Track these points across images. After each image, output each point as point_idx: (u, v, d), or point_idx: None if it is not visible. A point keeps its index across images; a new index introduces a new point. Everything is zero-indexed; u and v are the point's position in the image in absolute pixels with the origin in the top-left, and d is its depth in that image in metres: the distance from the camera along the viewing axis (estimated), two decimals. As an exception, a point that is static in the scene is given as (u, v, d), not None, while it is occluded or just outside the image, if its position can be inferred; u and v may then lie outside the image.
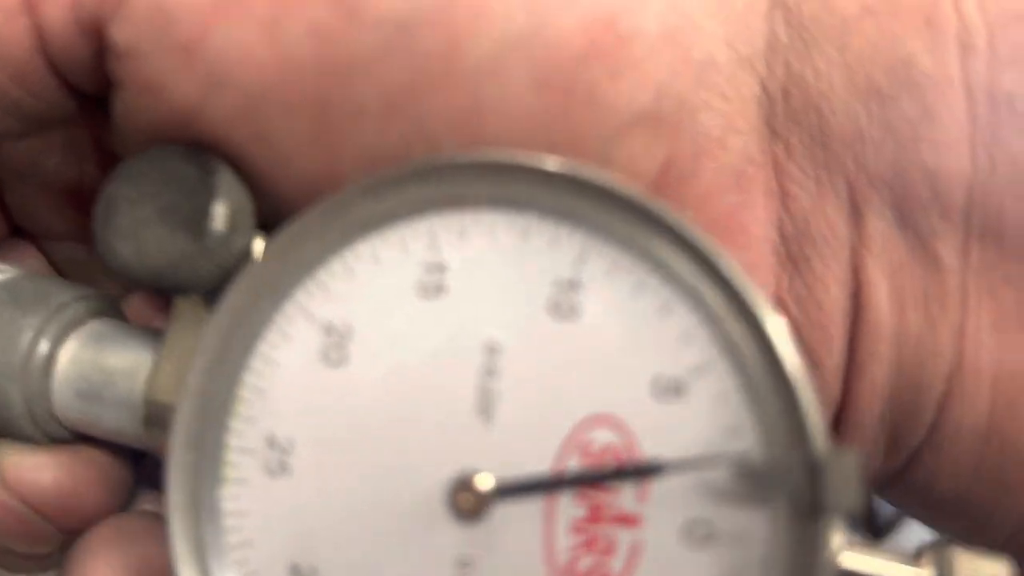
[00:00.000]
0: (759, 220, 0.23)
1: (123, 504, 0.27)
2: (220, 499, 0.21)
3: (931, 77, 0.22)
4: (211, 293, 0.23)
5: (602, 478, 0.19)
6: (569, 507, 0.20)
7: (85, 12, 0.21)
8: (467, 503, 0.20)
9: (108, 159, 0.30)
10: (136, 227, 0.21)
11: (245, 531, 0.21)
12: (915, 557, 0.20)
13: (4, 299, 0.25)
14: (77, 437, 0.25)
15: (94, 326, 0.25)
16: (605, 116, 0.21)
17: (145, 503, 0.27)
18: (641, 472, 0.19)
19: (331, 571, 0.21)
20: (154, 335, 0.25)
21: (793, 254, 0.23)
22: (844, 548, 0.19)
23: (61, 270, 0.31)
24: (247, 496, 0.21)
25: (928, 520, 0.26)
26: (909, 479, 0.25)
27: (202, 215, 0.21)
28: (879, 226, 0.23)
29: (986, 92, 0.22)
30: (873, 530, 0.66)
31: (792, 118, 0.23)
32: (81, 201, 0.30)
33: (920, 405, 0.23)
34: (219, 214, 0.21)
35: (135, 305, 0.30)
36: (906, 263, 0.23)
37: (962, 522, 0.25)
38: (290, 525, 0.21)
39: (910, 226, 0.23)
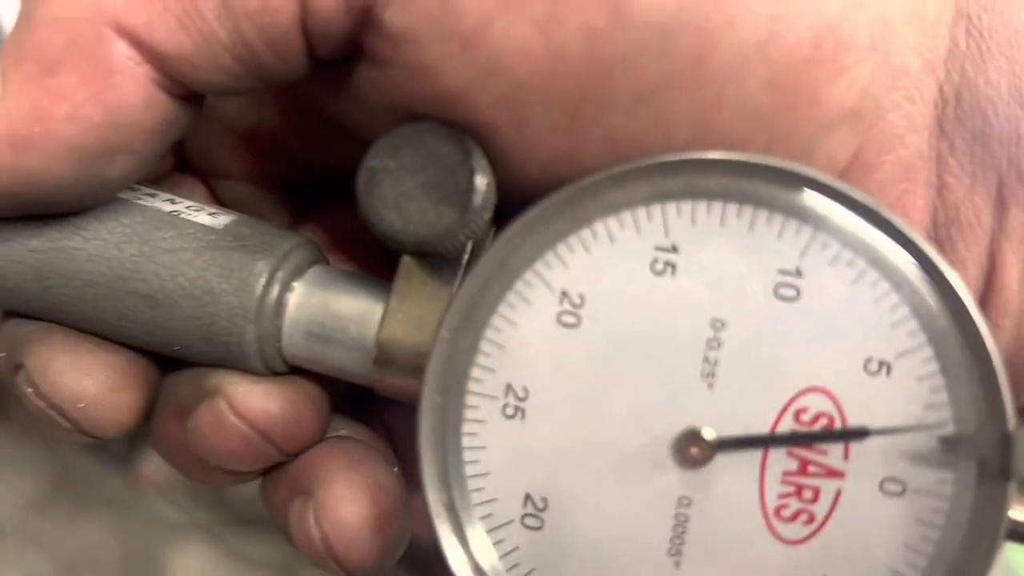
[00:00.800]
0: (918, 207, 0.26)
1: (326, 428, 0.30)
2: (462, 435, 0.25)
3: None
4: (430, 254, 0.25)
5: (813, 439, 0.23)
6: (781, 461, 0.23)
7: None
8: (695, 453, 0.23)
9: (290, 109, 0.32)
10: (399, 199, 0.24)
11: (483, 463, 0.25)
12: None
13: (231, 244, 0.27)
14: (292, 370, 0.28)
15: (315, 272, 0.28)
16: (820, 113, 0.24)
17: (339, 427, 0.30)
18: (848, 436, 0.23)
19: (561, 502, 0.24)
20: (370, 283, 0.28)
21: (940, 237, 0.26)
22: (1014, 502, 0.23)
23: (226, 206, 0.34)
24: (485, 434, 0.25)
25: None
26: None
27: (465, 193, 0.23)
28: (1020, 218, 0.26)
29: None
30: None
31: (960, 119, 0.26)
32: (256, 144, 0.32)
33: None
34: (480, 192, 0.24)
35: None
36: None
37: None
38: (524, 460, 0.25)
39: None
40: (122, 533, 1.39)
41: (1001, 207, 0.26)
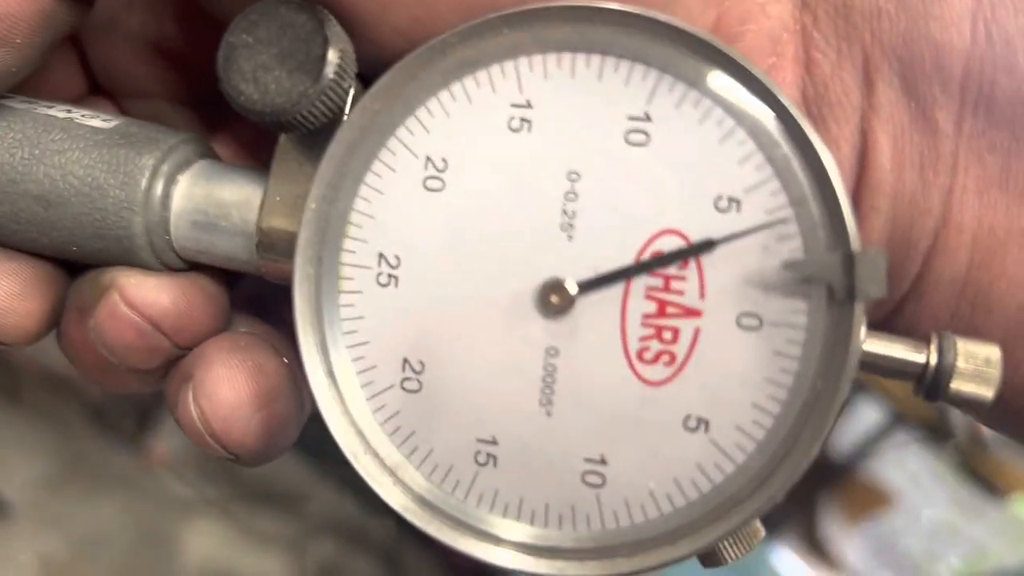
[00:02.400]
0: (787, 82, 0.26)
1: (225, 325, 0.30)
2: (339, 306, 0.25)
3: None
4: (310, 133, 0.26)
5: (664, 262, 0.23)
6: (641, 304, 0.24)
7: None
8: (556, 302, 0.24)
9: (187, 19, 0.32)
10: (257, 70, 0.24)
11: (361, 332, 0.25)
12: (923, 341, 0.24)
13: (118, 142, 0.27)
14: (189, 267, 0.29)
15: (200, 165, 0.28)
16: None
17: (240, 326, 0.31)
18: (697, 250, 0.23)
19: (437, 364, 0.25)
20: (254, 172, 0.28)
21: (812, 115, 0.26)
22: (867, 336, 0.23)
23: None
24: (362, 303, 0.25)
25: None
26: (893, 324, 0.28)
27: (318, 60, 0.24)
28: (887, 94, 0.26)
29: None
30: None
31: None
32: (160, 58, 0.33)
33: (909, 257, 0.27)
34: (332, 60, 0.24)
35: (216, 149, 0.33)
36: (907, 129, 0.26)
37: None
38: (400, 326, 0.25)
39: (914, 95, 0.26)
40: (133, 511, 1.42)
41: (868, 83, 0.26)
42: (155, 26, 0.32)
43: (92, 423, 1.44)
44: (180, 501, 1.44)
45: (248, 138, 0.34)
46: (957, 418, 1.24)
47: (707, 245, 0.23)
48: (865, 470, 1.27)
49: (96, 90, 0.34)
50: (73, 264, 0.29)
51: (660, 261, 0.23)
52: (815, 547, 1.22)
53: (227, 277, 0.30)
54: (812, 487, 1.22)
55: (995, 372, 0.24)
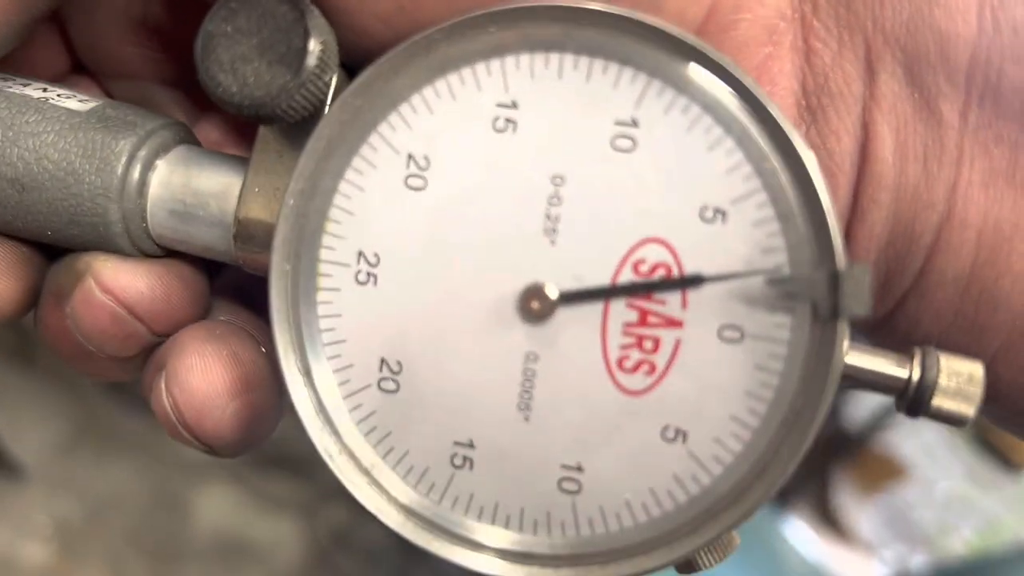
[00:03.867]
0: (785, 72, 0.25)
1: (203, 313, 0.30)
2: (316, 304, 0.25)
3: None
4: (292, 124, 0.25)
5: (650, 288, 0.23)
6: (622, 313, 0.23)
7: None
8: (537, 308, 0.23)
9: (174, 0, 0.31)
10: (235, 61, 0.24)
11: (338, 331, 0.25)
12: (906, 357, 0.23)
13: (95, 125, 0.27)
14: (166, 253, 0.29)
15: (179, 151, 0.28)
16: None
17: (220, 314, 0.31)
18: (684, 283, 0.22)
19: (415, 364, 0.25)
20: (234, 160, 0.28)
21: (812, 105, 0.25)
22: (849, 349, 0.22)
23: None
24: (340, 302, 0.25)
25: None
26: (894, 323, 0.28)
27: (299, 53, 0.23)
28: (890, 85, 0.25)
29: None
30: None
31: None
32: (145, 37, 0.32)
33: (911, 253, 0.26)
34: (314, 53, 0.23)
35: (203, 131, 0.33)
36: (911, 120, 0.25)
37: None
38: (378, 325, 0.25)
39: (918, 86, 0.25)
40: (147, 475, 1.43)
41: (870, 73, 0.25)
42: (140, 4, 0.32)
43: (106, 386, 1.45)
44: (193, 465, 1.46)
45: (235, 121, 0.33)
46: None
47: (695, 280, 0.22)
48: (879, 441, 1.26)
49: (79, 69, 0.33)
50: (51, 248, 0.29)
51: (644, 287, 0.23)
52: (828, 518, 1.21)
53: (208, 265, 0.29)
54: (826, 458, 1.21)
55: (977, 390, 0.23)
